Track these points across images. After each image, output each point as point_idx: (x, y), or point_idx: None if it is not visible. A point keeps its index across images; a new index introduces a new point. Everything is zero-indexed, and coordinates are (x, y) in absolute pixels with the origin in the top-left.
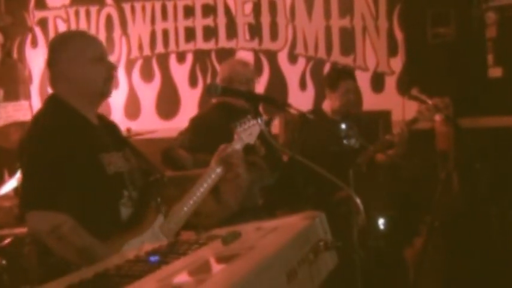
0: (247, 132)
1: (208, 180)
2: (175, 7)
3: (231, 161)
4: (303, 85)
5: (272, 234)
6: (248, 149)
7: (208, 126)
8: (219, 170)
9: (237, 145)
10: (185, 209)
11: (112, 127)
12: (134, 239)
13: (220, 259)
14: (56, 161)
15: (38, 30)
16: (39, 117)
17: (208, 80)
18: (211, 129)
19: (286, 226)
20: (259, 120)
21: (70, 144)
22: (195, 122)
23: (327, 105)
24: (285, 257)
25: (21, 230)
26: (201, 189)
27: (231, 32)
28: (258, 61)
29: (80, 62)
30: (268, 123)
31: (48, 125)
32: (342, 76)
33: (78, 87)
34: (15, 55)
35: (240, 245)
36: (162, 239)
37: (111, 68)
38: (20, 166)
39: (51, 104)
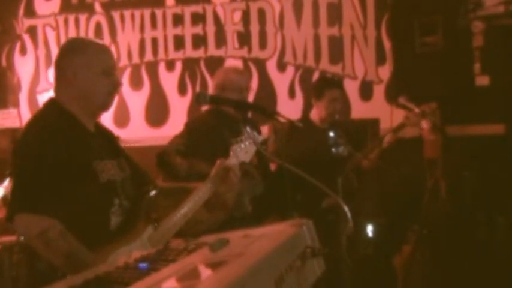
0: (244, 151)
1: (200, 194)
2: (164, 15)
3: (227, 176)
4: (291, 93)
5: (260, 241)
6: None
7: (203, 132)
8: (210, 185)
9: (232, 161)
10: (175, 221)
11: (108, 135)
12: (122, 248)
13: (209, 266)
14: (49, 165)
15: (27, 38)
16: (36, 119)
17: (198, 88)
18: (206, 135)
19: (274, 233)
20: (255, 134)
21: (65, 149)
22: (190, 126)
23: (315, 114)
24: (273, 264)
25: (11, 239)
26: (192, 203)
27: (220, 40)
28: (247, 69)
29: (87, 73)
30: (264, 143)
31: (44, 128)
32: (327, 85)
33: (80, 96)
34: (4, 63)
35: (228, 252)
36: (149, 250)
37: (117, 84)
38: (12, 167)
39: (49, 107)
